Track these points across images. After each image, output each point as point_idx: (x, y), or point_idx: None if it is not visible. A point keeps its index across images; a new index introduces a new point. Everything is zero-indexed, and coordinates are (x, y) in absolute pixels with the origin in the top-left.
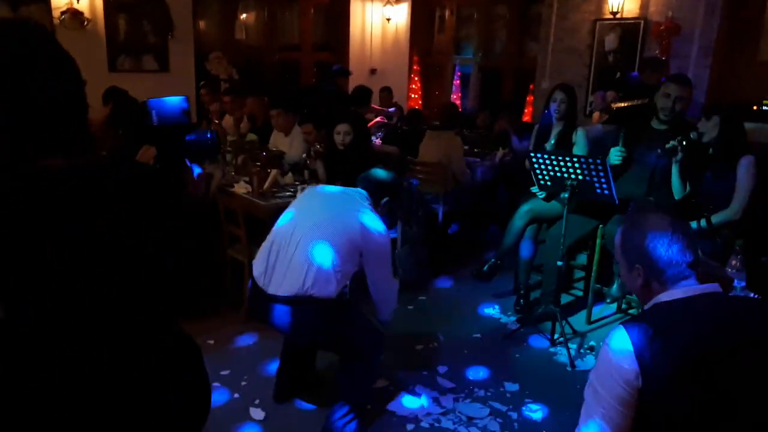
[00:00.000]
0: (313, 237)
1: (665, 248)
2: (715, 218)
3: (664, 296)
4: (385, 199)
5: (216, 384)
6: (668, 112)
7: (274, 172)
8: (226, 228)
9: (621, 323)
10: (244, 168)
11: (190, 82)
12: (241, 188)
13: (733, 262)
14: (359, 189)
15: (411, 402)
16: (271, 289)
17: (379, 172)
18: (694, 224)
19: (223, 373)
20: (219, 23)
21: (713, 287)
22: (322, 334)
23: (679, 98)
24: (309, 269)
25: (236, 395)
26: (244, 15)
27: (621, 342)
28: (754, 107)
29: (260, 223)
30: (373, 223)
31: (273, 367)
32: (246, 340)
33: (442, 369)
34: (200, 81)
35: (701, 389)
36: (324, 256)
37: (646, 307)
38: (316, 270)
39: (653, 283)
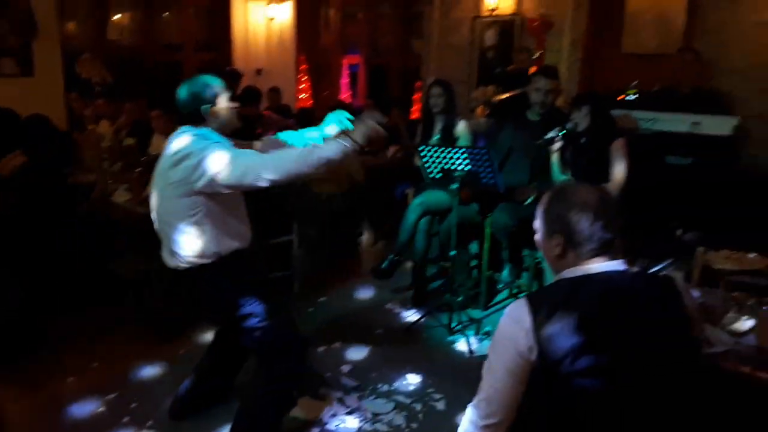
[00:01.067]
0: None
1: (589, 222)
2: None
3: (570, 272)
4: None
5: (102, 409)
6: (541, 106)
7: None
8: (107, 241)
9: (525, 295)
10: (124, 175)
11: (57, 87)
12: (120, 197)
13: None
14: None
15: (316, 405)
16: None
17: None
18: None
19: (110, 397)
20: (90, 23)
21: (618, 264)
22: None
23: (550, 91)
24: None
25: (126, 419)
26: (117, 15)
27: (520, 313)
28: (620, 97)
29: (144, 233)
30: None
31: (168, 386)
32: (136, 359)
33: (345, 368)
34: (70, 85)
35: (596, 366)
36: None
37: (554, 279)
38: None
39: (570, 254)
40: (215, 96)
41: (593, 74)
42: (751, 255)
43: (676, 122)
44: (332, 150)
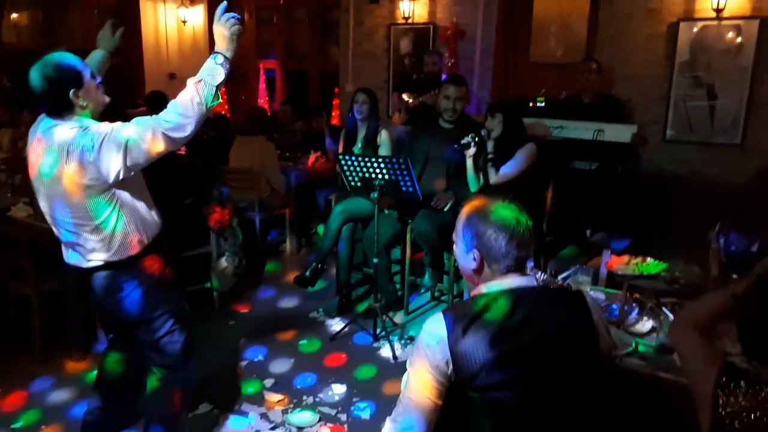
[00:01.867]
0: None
1: (505, 241)
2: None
3: (485, 287)
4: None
5: None
6: (451, 113)
7: None
8: (7, 258)
9: (442, 310)
10: (24, 188)
11: None
12: (20, 211)
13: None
14: None
15: (238, 423)
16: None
17: None
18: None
19: (16, 426)
20: None
21: (530, 280)
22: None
23: (458, 98)
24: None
25: None
26: (14, 15)
27: (437, 328)
28: (530, 104)
29: (47, 250)
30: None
31: (80, 409)
32: (42, 383)
33: (268, 382)
34: None
35: (508, 380)
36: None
37: (470, 294)
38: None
39: (486, 269)
40: (80, 79)
41: (504, 82)
42: (649, 259)
43: (582, 130)
44: (215, 74)
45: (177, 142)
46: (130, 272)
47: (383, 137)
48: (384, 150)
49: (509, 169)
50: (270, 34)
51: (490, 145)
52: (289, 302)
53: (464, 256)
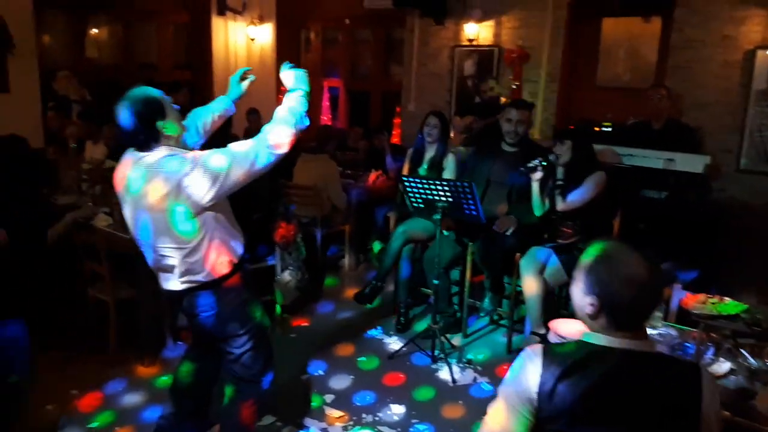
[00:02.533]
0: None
1: (630, 298)
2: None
3: (597, 337)
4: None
5: None
6: (512, 135)
7: None
8: (87, 265)
9: (543, 347)
10: (104, 198)
11: (34, 104)
12: (101, 221)
13: None
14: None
15: None
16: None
17: None
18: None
19: (92, 426)
20: (67, 40)
21: (643, 344)
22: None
23: (519, 121)
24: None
25: None
26: (94, 31)
27: (533, 359)
28: (596, 128)
29: (125, 258)
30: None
31: (149, 413)
32: (115, 386)
33: (329, 398)
34: (47, 102)
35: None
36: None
37: (576, 337)
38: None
39: (601, 318)
40: (164, 109)
41: (569, 105)
42: (727, 299)
43: (651, 159)
44: (300, 105)
45: (271, 160)
46: (221, 292)
47: (449, 161)
48: (449, 172)
49: (577, 196)
50: (335, 54)
51: (559, 172)
52: (347, 318)
53: (581, 298)
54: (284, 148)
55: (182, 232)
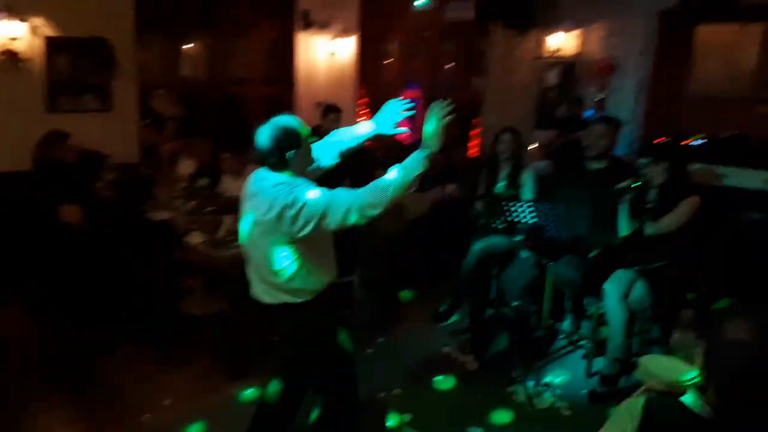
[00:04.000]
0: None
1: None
2: (650, 227)
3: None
4: None
5: None
6: (594, 150)
7: (228, 219)
8: (182, 280)
9: (646, 399)
10: (196, 215)
11: (133, 122)
12: (195, 238)
13: (686, 314)
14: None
15: None
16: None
17: None
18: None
19: None
20: (164, 59)
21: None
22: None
23: (602, 136)
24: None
25: None
26: (187, 46)
27: (635, 406)
28: (686, 141)
29: (217, 274)
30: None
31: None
32: (205, 398)
33: (407, 417)
34: (145, 120)
35: None
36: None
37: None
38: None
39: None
40: (299, 141)
41: (658, 117)
42: None
43: (748, 178)
44: (416, 164)
45: (363, 219)
46: (304, 316)
47: (527, 177)
48: (527, 189)
49: (669, 222)
50: (415, 65)
51: (652, 194)
52: (423, 334)
53: None
54: (374, 215)
55: (277, 254)
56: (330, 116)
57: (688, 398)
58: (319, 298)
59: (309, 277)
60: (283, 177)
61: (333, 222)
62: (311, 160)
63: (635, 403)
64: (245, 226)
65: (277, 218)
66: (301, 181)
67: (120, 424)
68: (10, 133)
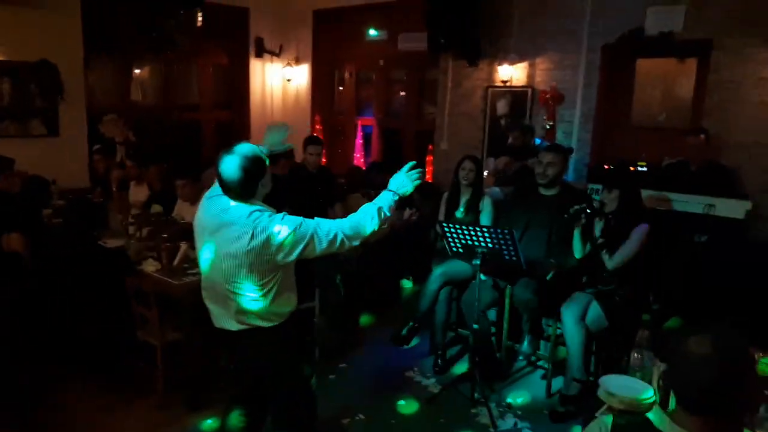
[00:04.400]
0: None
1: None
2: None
3: (663, 425)
4: None
5: None
6: (542, 177)
7: (184, 246)
8: (136, 309)
9: (612, 424)
10: (150, 241)
11: (82, 147)
12: (149, 266)
13: (642, 335)
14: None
15: None
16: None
17: None
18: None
19: None
20: (113, 84)
21: None
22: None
23: (550, 164)
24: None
25: None
26: (137, 71)
27: (604, 427)
28: (631, 167)
29: (172, 303)
30: None
31: None
32: (163, 429)
33: None
34: (93, 145)
35: None
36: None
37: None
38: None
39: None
40: (265, 169)
41: (604, 145)
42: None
43: (691, 204)
44: (390, 203)
45: (341, 247)
46: (274, 338)
47: (485, 203)
48: (486, 216)
49: (624, 254)
50: (369, 92)
51: (597, 227)
52: (384, 359)
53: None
54: (351, 245)
55: (253, 281)
56: (309, 149)
57: (653, 416)
58: (287, 322)
59: (282, 300)
60: (254, 206)
61: (318, 249)
62: (270, 186)
63: (604, 422)
64: (208, 256)
65: (263, 246)
66: (270, 209)
67: None
68: None
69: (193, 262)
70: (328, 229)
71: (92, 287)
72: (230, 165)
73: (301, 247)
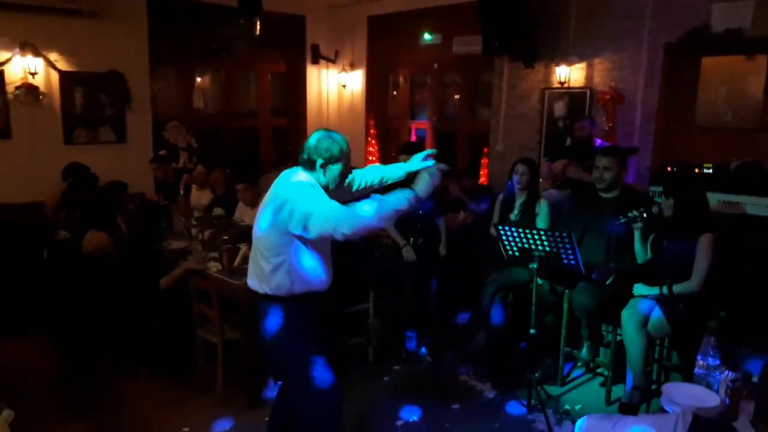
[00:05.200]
0: None
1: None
2: (676, 288)
3: None
4: None
5: None
6: (600, 182)
7: (243, 247)
8: (197, 308)
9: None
10: (212, 244)
11: (147, 153)
12: (211, 267)
13: (709, 341)
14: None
15: None
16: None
17: None
18: (656, 290)
19: None
20: (177, 92)
21: None
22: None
23: (606, 168)
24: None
25: None
26: (199, 79)
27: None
28: (696, 170)
29: (232, 302)
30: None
31: None
32: (222, 424)
33: None
34: (158, 150)
35: None
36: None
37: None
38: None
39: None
40: (332, 159)
41: (666, 147)
42: None
43: (763, 207)
44: (399, 202)
45: (354, 233)
46: (285, 311)
47: (542, 206)
48: (542, 219)
49: (700, 274)
50: (422, 96)
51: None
52: (440, 362)
53: None
54: (357, 236)
55: (271, 243)
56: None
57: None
58: (297, 302)
59: (291, 277)
60: (307, 178)
61: (314, 230)
62: (342, 183)
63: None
64: (259, 216)
65: (278, 207)
66: (319, 189)
67: None
68: (31, 164)
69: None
70: (348, 216)
71: (157, 288)
72: (315, 134)
73: (303, 224)
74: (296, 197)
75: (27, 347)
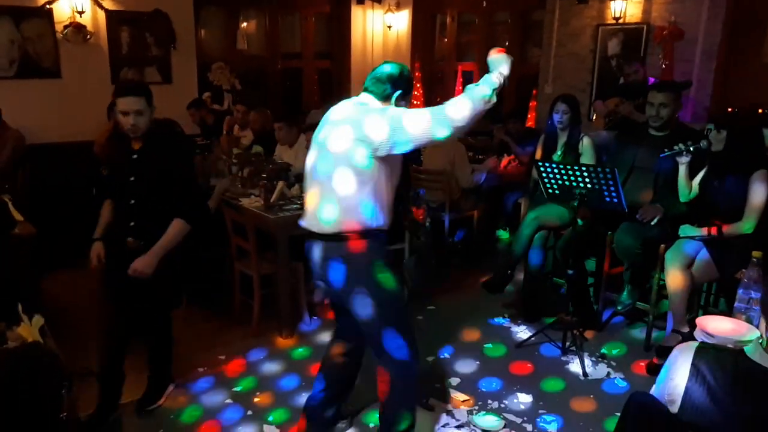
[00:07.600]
0: None
1: None
2: (727, 231)
3: (762, 358)
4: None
5: (228, 401)
6: (655, 120)
7: (280, 184)
8: (234, 241)
9: (696, 348)
10: (251, 181)
11: (192, 93)
12: (250, 202)
13: (751, 274)
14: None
15: (424, 416)
16: None
17: None
18: (704, 232)
19: (236, 389)
20: (221, 34)
21: None
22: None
23: (662, 105)
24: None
25: (249, 412)
26: (245, 24)
27: (686, 354)
28: (760, 110)
29: (268, 236)
30: None
31: (286, 382)
32: (257, 354)
33: (454, 381)
34: (203, 92)
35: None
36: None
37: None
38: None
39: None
40: (410, 90)
41: (731, 86)
42: None
43: None
44: (491, 84)
45: (445, 133)
46: (351, 251)
47: (585, 145)
48: (586, 158)
49: (755, 210)
50: (470, 38)
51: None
52: (474, 304)
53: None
54: (463, 122)
55: (350, 178)
56: None
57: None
58: (375, 236)
59: (370, 211)
60: (380, 105)
61: (410, 131)
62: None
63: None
64: (315, 154)
65: (358, 130)
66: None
67: (178, 376)
68: (80, 103)
69: (290, 199)
70: (428, 115)
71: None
72: (390, 64)
73: (393, 131)
74: (381, 111)
75: (76, 279)
